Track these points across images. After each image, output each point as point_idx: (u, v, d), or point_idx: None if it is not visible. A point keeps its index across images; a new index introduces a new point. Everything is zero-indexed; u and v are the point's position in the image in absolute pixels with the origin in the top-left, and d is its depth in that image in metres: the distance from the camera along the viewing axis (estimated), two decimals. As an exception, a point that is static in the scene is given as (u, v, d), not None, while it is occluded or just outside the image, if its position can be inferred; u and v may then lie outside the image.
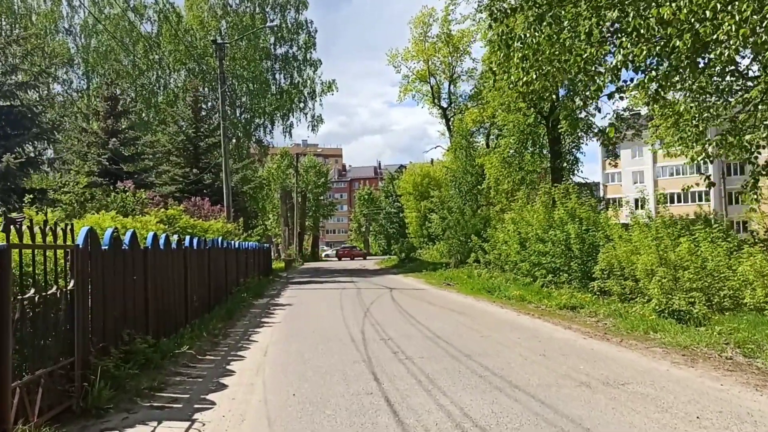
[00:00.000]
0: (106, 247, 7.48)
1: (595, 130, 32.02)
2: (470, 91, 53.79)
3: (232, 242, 19.35)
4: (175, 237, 11.10)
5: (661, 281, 13.58)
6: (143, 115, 40.44)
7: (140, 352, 8.05)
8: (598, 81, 8.46)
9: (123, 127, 25.97)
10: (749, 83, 13.11)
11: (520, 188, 32.37)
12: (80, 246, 6.62)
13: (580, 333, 10.99)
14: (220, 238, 16.59)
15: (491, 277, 24.12)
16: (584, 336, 10.63)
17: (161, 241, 10.15)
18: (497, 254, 26.17)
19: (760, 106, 16.05)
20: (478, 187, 38.69)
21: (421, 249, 52.11)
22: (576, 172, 33.17)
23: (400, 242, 58.48)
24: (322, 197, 76.95)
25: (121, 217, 11.17)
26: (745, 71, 12.25)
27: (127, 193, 15.74)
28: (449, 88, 53.98)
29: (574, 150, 32.83)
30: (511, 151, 32.55)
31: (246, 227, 30.88)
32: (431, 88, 53.41)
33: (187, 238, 12.24)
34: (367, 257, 76.03)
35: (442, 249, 41.04)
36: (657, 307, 12.62)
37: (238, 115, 43.38)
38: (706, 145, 22.43)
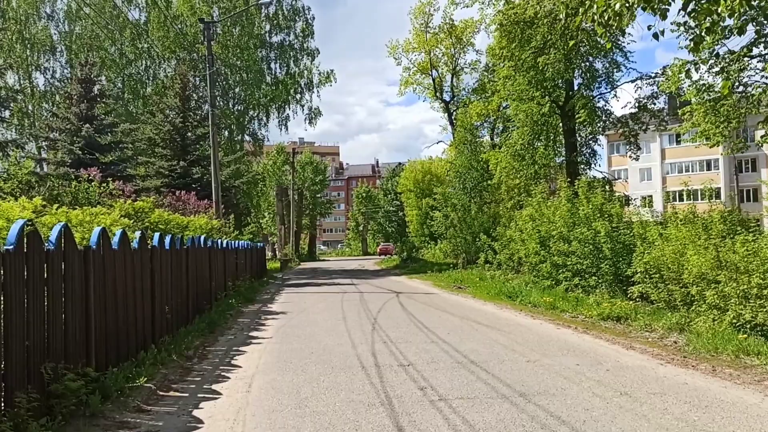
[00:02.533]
0: (11, 247, 5.13)
1: (613, 120, 29.70)
2: (474, 84, 51.64)
3: (219, 241, 17.00)
4: (137, 234, 8.73)
5: (723, 288, 11.36)
6: (130, 106, 37.99)
7: (70, 394, 5.71)
8: (714, 15, 6.09)
9: (99, 112, 23.49)
10: None
11: (532, 183, 30.07)
12: (-47, 245, 4.27)
13: (651, 356, 8.66)
14: (202, 236, 14.23)
15: (507, 279, 21.84)
16: (660, 361, 8.30)
17: (115, 239, 7.80)
18: (509, 254, 23.98)
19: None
20: (484, 183, 36.46)
21: (423, 248, 49.87)
22: (593, 165, 30.87)
23: (401, 241, 56.25)
24: (319, 195, 74.43)
25: (65, 209, 8.79)
26: None
27: (93, 183, 13.38)
28: (452, 81, 51.85)
29: (590, 142, 30.42)
30: (523, 144, 30.11)
31: (238, 225, 28.54)
32: (433, 80, 51.24)
33: (157, 235, 9.88)
34: (369, 257, 73.69)
35: (446, 248, 38.86)
36: (734, 321, 10.31)
37: (230, 106, 40.90)
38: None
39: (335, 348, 9.66)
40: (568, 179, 24.21)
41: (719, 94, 20.16)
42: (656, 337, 10.39)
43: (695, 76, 21.20)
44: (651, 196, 63.02)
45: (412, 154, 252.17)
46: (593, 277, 16.96)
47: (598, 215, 17.82)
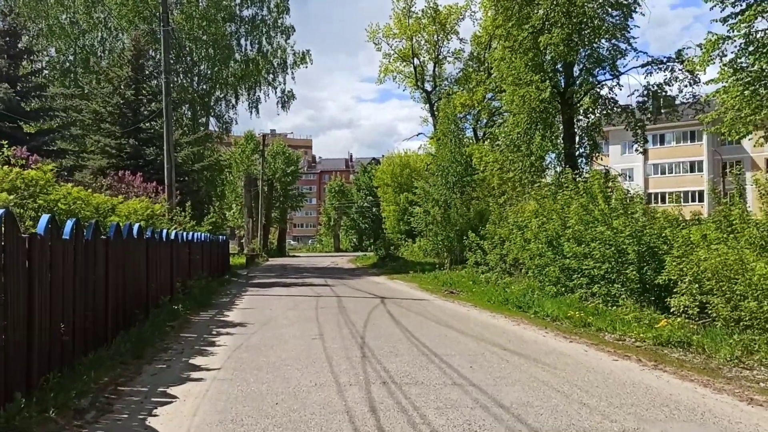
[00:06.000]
0: None
1: (617, 109, 26.84)
2: (457, 74, 48.95)
3: (165, 231, 13.60)
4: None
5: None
6: (80, 80, 34.04)
7: None
8: None
9: (24, 72, 19.65)
10: None
11: (528, 176, 27.19)
12: None
13: (800, 420, 5.62)
14: (137, 224, 10.85)
15: (505, 284, 18.83)
16: (827, 433, 5.26)
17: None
18: (499, 254, 21.15)
19: None
20: (468, 177, 33.57)
21: (401, 246, 46.84)
22: (595, 158, 27.96)
23: (379, 238, 53.20)
24: (290, 187, 70.52)
25: None
26: None
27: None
28: (434, 70, 49.12)
29: (593, 133, 27.44)
30: (519, 132, 27.04)
31: (198, 214, 25.02)
32: (414, 69, 48.36)
33: (45, 218, 6.53)
34: (341, 254, 70.38)
35: (426, 246, 36.02)
36: None
37: (194, 84, 37.14)
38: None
39: (312, 393, 6.42)
40: (576, 172, 21.44)
41: (756, 74, 17.49)
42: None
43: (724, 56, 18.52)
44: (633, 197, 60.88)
45: (385, 151, 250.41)
46: (615, 285, 14.16)
47: (621, 212, 15.01)
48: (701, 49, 18.62)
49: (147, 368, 7.84)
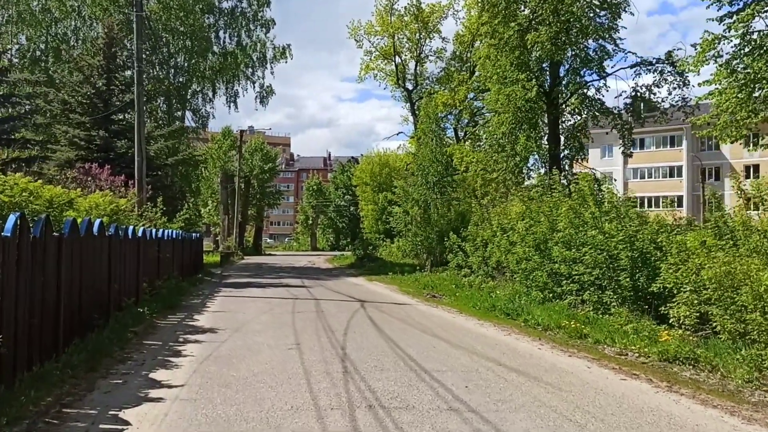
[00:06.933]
0: None
1: (603, 111, 26.24)
2: (438, 73, 48.40)
3: (131, 228, 12.62)
4: None
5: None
6: (51, 69, 32.64)
7: None
8: None
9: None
10: None
11: (511, 177, 26.57)
12: None
13: None
14: (98, 220, 9.88)
15: (490, 288, 18.09)
16: None
17: None
18: (481, 257, 20.49)
19: None
20: (449, 177, 32.94)
21: (379, 246, 46.03)
22: (579, 160, 27.38)
23: (357, 237, 52.30)
24: (267, 185, 69.20)
25: None
26: None
27: None
28: (416, 69, 48.42)
29: (578, 134, 26.83)
30: (504, 132, 26.32)
31: (171, 210, 23.94)
32: (396, 67, 47.62)
33: (-20, 211, 5.60)
34: (318, 253, 69.28)
35: (405, 247, 35.28)
36: None
37: (171, 77, 35.86)
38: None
39: (287, 419, 5.57)
40: (561, 174, 20.87)
41: (752, 76, 16.97)
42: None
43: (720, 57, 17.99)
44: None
45: (364, 151, 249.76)
46: (607, 292, 13.49)
47: (613, 216, 14.39)
48: (696, 49, 18.08)
49: (101, 383, 6.92)
